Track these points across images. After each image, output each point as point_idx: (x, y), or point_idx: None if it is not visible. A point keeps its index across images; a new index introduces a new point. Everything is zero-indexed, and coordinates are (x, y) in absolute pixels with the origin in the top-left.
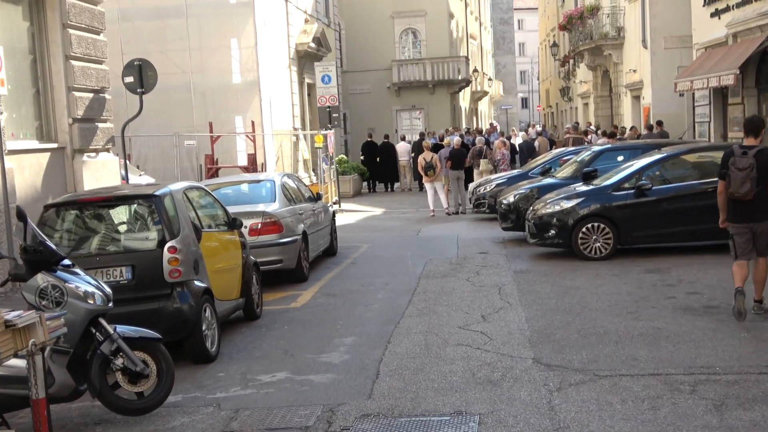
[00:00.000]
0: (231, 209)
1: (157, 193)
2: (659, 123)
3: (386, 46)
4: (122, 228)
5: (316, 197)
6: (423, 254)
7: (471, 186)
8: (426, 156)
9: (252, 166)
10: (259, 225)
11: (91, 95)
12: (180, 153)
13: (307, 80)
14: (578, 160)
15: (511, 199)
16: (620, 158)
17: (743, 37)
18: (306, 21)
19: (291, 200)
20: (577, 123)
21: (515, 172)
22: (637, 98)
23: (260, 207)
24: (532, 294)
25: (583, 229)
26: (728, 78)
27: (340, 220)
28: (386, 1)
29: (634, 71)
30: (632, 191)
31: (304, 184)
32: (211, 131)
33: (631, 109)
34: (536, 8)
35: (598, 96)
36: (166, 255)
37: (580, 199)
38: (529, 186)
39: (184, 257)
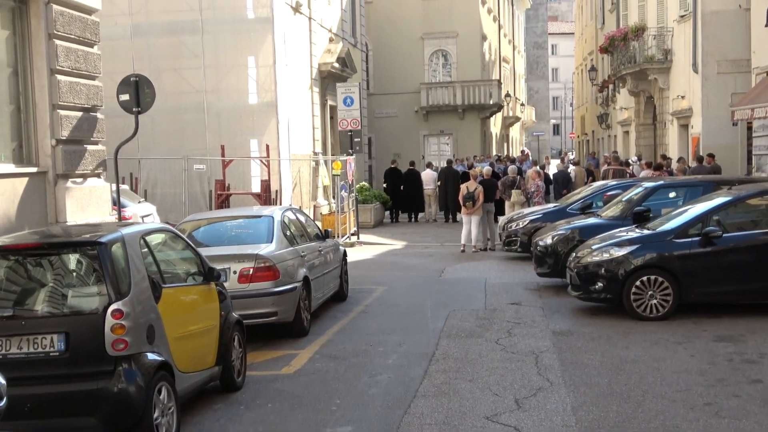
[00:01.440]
0: (219, 250)
1: (102, 239)
2: (710, 156)
3: (415, 68)
4: (56, 284)
5: (324, 235)
6: (445, 302)
7: (501, 220)
8: (470, 185)
9: (265, 193)
10: (251, 270)
11: (79, 114)
12: (190, 177)
13: (330, 102)
14: (626, 197)
15: (549, 240)
16: (672, 195)
17: None
18: (330, 40)
19: (292, 240)
20: (616, 152)
21: (551, 206)
22: (684, 127)
23: (254, 249)
24: (578, 368)
25: (637, 283)
26: None
27: (357, 254)
28: (416, 22)
29: (683, 97)
30: (697, 239)
31: (311, 220)
32: (222, 155)
33: (677, 139)
34: (571, 33)
35: (641, 124)
36: (110, 321)
37: (633, 247)
38: (569, 226)
39: (132, 323)
